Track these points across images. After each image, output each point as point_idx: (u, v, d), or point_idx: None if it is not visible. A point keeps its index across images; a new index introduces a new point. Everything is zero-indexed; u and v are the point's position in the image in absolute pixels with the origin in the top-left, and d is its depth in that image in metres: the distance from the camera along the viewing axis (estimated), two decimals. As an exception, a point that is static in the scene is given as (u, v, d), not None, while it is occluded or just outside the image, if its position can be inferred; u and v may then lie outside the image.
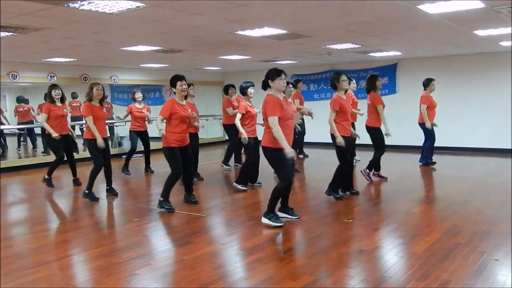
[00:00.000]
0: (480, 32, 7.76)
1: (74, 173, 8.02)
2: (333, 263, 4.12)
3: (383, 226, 5.29)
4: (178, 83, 5.96)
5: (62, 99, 7.57)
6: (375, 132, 7.56)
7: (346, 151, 6.33)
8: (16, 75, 10.66)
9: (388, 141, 7.61)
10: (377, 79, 7.62)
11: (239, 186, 7.26)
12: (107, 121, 7.39)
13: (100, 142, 6.62)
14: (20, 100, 13.20)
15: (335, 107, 6.23)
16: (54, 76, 11.22)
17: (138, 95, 9.09)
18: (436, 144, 9.28)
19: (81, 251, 4.68)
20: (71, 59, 10.48)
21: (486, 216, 5.51)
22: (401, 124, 10.99)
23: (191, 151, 6.93)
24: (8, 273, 3.95)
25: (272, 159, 5.14)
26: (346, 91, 6.44)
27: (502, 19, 6.51)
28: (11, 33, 6.72)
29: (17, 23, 6.08)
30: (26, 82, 12.15)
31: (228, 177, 8.94)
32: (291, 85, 8.02)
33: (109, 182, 7.14)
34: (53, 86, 7.54)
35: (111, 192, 7.14)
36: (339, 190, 6.55)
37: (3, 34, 6.75)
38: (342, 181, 6.60)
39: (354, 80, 8.76)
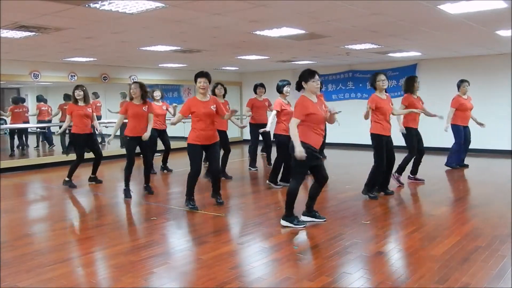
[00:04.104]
0: (502, 33, 7.64)
1: (94, 171, 8.16)
2: (351, 264, 4.10)
3: (402, 228, 5.24)
4: (198, 79, 5.98)
5: (85, 99, 7.74)
6: (408, 133, 7.49)
7: (382, 150, 6.42)
8: (38, 75, 10.83)
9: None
10: (415, 81, 7.51)
11: (274, 185, 7.49)
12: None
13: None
14: (39, 99, 13.42)
15: (371, 103, 6.39)
16: (74, 76, 11.38)
17: (156, 93, 9.22)
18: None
19: (100, 249, 4.73)
20: (92, 59, 10.61)
21: (507, 219, 5.41)
22: (421, 125, 10.86)
23: (223, 149, 7.06)
24: (29, 270, 4.01)
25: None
26: (385, 90, 6.54)
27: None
28: (33, 33, 6.83)
29: (39, 23, 6.17)
30: (47, 81, 12.32)
31: (248, 177, 8.95)
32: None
33: (146, 180, 7.23)
34: (76, 87, 7.77)
35: (147, 190, 7.23)
36: (374, 190, 6.62)
37: (25, 34, 6.86)
38: (378, 180, 6.64)
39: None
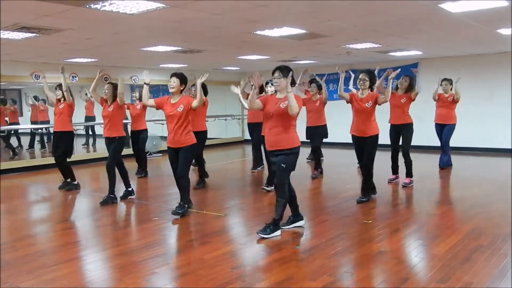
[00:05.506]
0: (503, 31, 7.63)
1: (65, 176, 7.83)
2: (353, 264, 4.10)
3: (403, 228, 5.24)
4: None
5: (61, 99, 7.71)
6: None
7: (355, 149, 6.47)
8: (39, 76, 10.81)
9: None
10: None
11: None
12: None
13: None
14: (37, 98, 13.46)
15: (349, 95, 6.74)
16: (75, 77, 11.37)
17: (134, 94, 9.19)
18: (456, 145, 9.22)
19: (102, 249, 4.73)
20: (92, 60, 10.61)
21: (508, 218, 5.39)
22: (421, 124, 10.84)
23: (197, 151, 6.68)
24: (31, 270, 4.02)
25: None
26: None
27: (526, 18, 6.39)
28: (34, 34, 6.83)
29: (40, 25, 6.17)
30: (48, 82, 12.33)
31: (249, 177, 8.95)
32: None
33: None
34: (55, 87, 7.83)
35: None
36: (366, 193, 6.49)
37: (26, 35, 6.86)
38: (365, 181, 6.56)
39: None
